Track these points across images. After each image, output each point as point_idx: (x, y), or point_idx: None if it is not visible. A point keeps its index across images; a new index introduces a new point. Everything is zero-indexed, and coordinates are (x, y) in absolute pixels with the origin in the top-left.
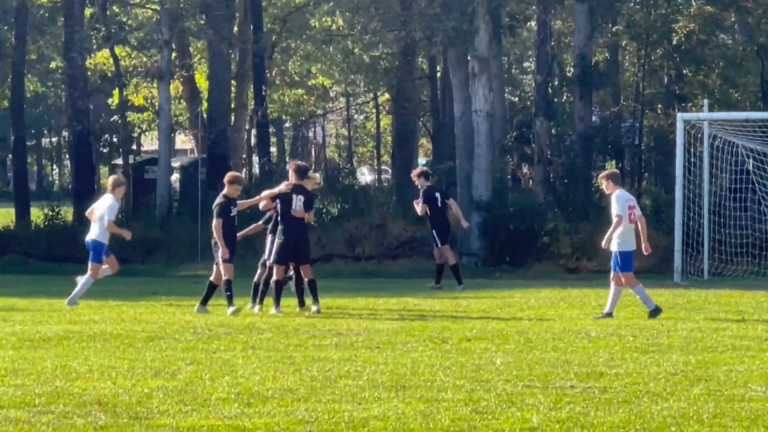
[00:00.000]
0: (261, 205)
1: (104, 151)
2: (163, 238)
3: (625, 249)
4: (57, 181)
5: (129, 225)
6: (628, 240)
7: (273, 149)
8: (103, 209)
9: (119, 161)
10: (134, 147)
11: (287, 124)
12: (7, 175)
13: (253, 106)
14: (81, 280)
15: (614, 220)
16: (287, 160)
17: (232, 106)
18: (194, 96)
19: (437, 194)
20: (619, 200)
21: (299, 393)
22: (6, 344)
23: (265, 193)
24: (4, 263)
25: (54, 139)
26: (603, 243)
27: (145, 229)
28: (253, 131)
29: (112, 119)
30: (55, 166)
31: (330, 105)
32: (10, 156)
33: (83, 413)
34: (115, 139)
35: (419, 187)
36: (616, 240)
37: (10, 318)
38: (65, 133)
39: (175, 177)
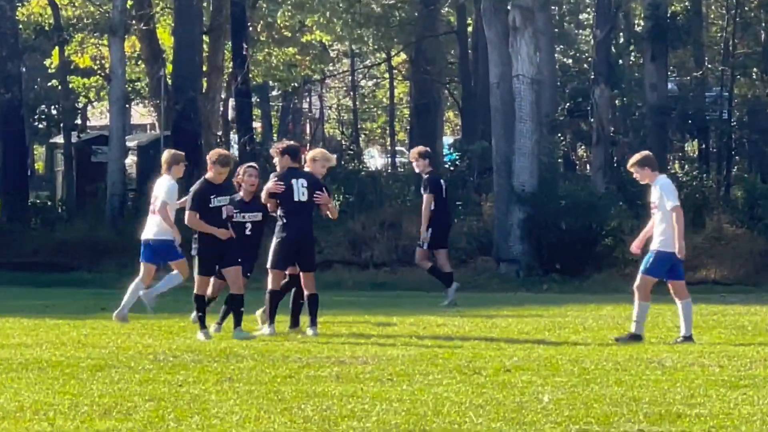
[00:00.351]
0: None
1: (40, 126)
2: (115, 238)
3: (667, 249)
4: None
5: (72, 222)
6: (670, 238)
7: (256, 125)
8: (161, 194)
9: (59, 139)
10: (78, 121)
11: (274, 93)
12: None
13: (230, 70)
14: (131, 286)
15: (674, 214)
16: (274, 138)
17: (204, 69)
18: (156, 56)
19: (443, 182)
20: (670, 187)
21: None
22: None
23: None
24: None
25: None
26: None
27: (93, 227)
28: (231, 101)
29: (49, 85)
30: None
31: (330, 68)
32: None
33: None
34: (54, 112)
35: (419, 171)
36: (659, 237)
37: None
38: None
39: (130, 160)
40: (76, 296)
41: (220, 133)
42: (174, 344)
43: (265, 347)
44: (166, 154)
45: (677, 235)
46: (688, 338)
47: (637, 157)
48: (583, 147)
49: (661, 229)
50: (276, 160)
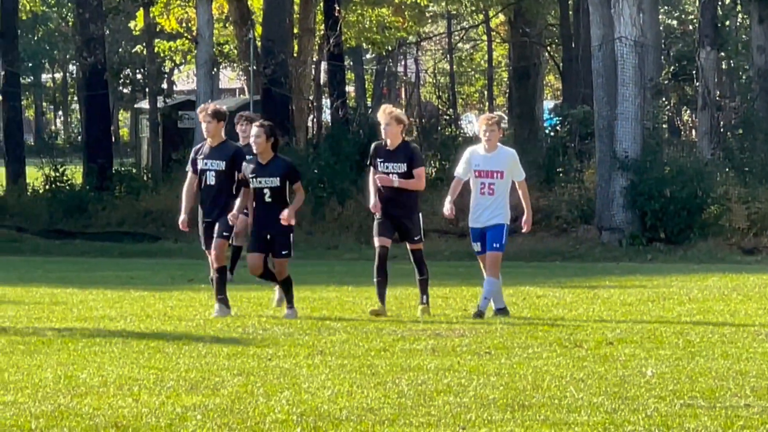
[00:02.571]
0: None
1: (124, 91)
2: None
3: None
4: (62, 132)
5: (157, 190)
6: None
7: (349, 89)
8: None
9: (144, 104)
10: (164, 86)
11: (369, 56)
12: None
13: (322, 32)
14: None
15: None
16: (368, 103)
17: (295, 31)
18: (245, 18)
19: None
20: None
21: (383, 414)
22: None
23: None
24: None
25: (57, 76)
26: None
27: (179, 195)
28: (323, 65)
29: (134, 49)
30: (59, 112)
31: (426, 30)
32: None
33: None
34: (138, 76)
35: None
36: None
37: None
38: (72, 68)
39: None
40: (162, 267)
41: (311, 97)
42: (263, 317)
43: (358, 320)
44: None
45: None
46: None
47: None
48: (688, 112)
49: None
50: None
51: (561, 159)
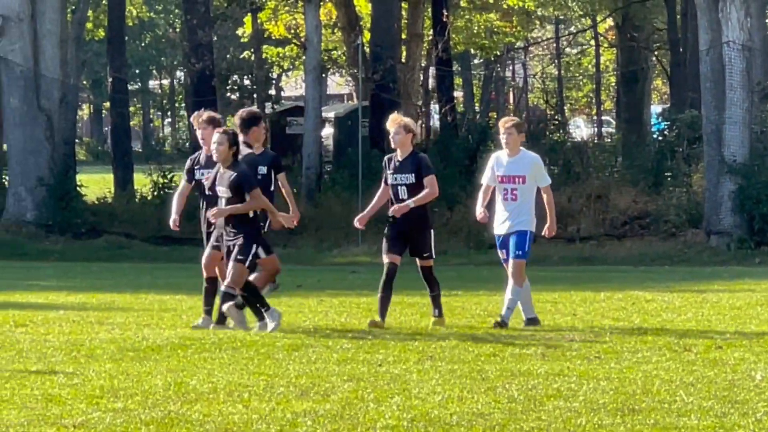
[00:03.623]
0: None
1: (233, 97)
2: (312, 213)
3: None
4: (169, 138)
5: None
6: None
7: (457, 94)
8: None
9: None
10: (272, 92)
11: (476, 61)
12: (103, 130)
13: (430, 37)
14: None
15: None
16: (477, 108)
17: (403, 36)
18: (353, 24)
19: None
20: None
21: (493, 419)
22: (102, 355)
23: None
24: (98, 247)
25: (165, 82)
26: None
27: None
28: (431, 70)
29: (242, 55)
30: (166, 119)
31: (534, 35)
32: (106, 104)
33: None
34: (246, 82)
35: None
36: None
37: (108, 320)
38: (180, 74)
39: (327, 131)
40: None
41: (420, 103)
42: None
43: (467, 325)
44: None
45: None
46: None
47: None
48: None
49: None
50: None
51: (669, 163)
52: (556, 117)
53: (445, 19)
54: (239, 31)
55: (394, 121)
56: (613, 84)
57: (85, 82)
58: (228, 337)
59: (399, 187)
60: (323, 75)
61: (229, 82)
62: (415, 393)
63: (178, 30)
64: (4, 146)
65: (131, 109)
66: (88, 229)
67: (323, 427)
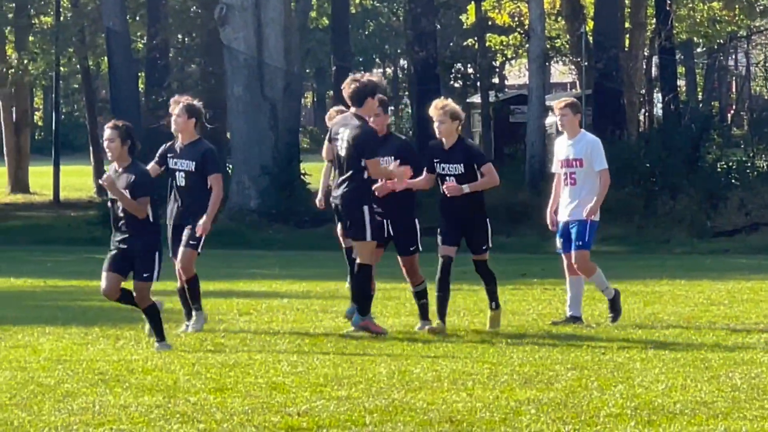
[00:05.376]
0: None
1: (455, 85)
2: (536, 202)
3: None
4: (393, 127)
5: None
6: None
7: (680, 83)
8: None
9: (476, 99)
10: (496, 80)
11: (699, 50)
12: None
13: (653, 26)
14: None
15: None
16: (699, 96)
17: (627, 25)
18: (576, 12)
19: None
20: None
21: (716, 407)
22: (326, 343)
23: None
24: (321, 236)
25: (388, 71)
26: None
27: (512, 190)
28: (654, 59)
29: (465, 43)
30: (390, 107)
31: (757, 24)
32: (330, 93)
33: None
34: (470, 70)
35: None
36: None
37: (332, 308)
38: (404, 63)
39: (550, 120)
40: (495, 262)
41: (642, 91)
42: (596, 310)
43: (691, 312)
44: None
45: None
46: None
47: None
48: None
49: None
50: None
51: None
52: None
53: (668, 8)
54: (462, 18)
55: (437, 108)
56: None
57: (308, 71)
58: (451, 325)
59: (447, 178)
60: (546, 63)
61: (453, 70)
62: (638, 381)
63: (401, 18)
64: (228, 134)
65: None
66: (311, 218)
67: (547, 415)
